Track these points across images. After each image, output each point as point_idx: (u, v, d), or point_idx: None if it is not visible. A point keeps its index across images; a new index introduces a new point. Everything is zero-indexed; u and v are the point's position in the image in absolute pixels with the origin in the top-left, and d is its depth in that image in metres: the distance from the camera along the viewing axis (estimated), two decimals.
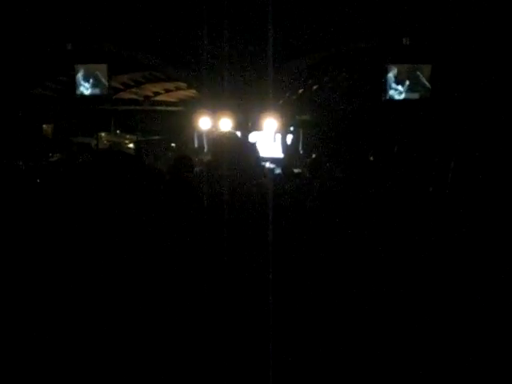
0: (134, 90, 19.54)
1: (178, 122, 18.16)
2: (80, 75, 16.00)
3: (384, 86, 14.35)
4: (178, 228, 3.79)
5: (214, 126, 14.66)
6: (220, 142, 3.63)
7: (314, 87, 17.71)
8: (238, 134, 11.62)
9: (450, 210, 3.98)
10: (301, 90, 17.80)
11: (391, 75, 14.29)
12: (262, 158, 8.87)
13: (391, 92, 14.36)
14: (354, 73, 16.22)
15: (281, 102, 16.11)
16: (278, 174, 7.78)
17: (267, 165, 7.36)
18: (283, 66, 14.11)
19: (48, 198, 4.31)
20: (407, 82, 14.27)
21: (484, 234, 3.75)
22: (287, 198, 4.22)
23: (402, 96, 14.36)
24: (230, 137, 3.74)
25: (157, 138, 19.75)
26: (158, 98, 20.65)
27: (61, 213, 4.10)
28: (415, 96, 14.33)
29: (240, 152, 3.53)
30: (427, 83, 14.16)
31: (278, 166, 8.57)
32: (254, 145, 3.71)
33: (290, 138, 15.88)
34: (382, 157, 6.43)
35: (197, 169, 7.44)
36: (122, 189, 4.34)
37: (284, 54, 13.56)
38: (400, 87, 14.35)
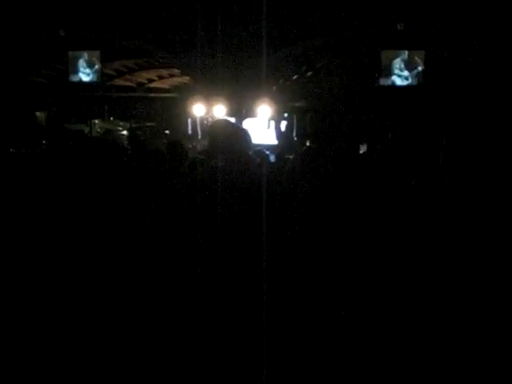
0: (127, 76, 19.45)
1: (171, 108, 18.10)
2: (73, 62, 15.92)
3: (378, 73, 14.35)
4: (174, 215, 3.80)
5: (208, 112, 14.63)
6: (215, 130, 3.63)
7: (308, 73, 17.65)
8: (232, 120, 11.63)
9: (442, 197, 3.98)
10: (295, 77, 17.74)
11: (385, 61, 14.28)
12: (257, 144, 8.84)
13: (385, 78, 14.35)
14: (348, 59, 16.18)
15: (274, 88, 16.06)
16: (273, 161, 7.77)
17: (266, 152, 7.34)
18: (277, 52, 14.06)
19: (41, 185, 4.30)
20: (401, 68, 14.26)
21: (478, 222, 3.76)
22: (281, 186, 4.22)
23: (397, 82, 14.36)
24: (226, 124, 3.73)
25: (150, 124, 19.69)
26: (152, 84, 20.57)
27: (53, 200, 4.10)
28: (409, 82, 14.33)
29: (235, 140, 3.54)
30: (421, 69, 14.16)
31: (272, 152, 8.54)
32: (246, 131, 3.71)
33: (284, 125, 15.84)
34: (376, 143, 6.42)
35: (191, 156, 7.43)
36: (114, 179, 4.35)
37: (278, 41, 13.52)
38: (395, 73, 14.35)
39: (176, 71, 18.01)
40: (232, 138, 3.56)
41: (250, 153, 3.86)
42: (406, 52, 14.23)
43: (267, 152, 7.68)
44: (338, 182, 4.10)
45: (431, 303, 3.61)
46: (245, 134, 3.68)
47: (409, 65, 14.25)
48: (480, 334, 3.45)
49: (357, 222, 3.87)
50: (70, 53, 15.83)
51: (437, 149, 4.25)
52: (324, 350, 3.43)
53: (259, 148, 7.22)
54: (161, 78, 20.29)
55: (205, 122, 15.70)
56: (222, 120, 4.21)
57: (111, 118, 20.61)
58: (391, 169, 4.21)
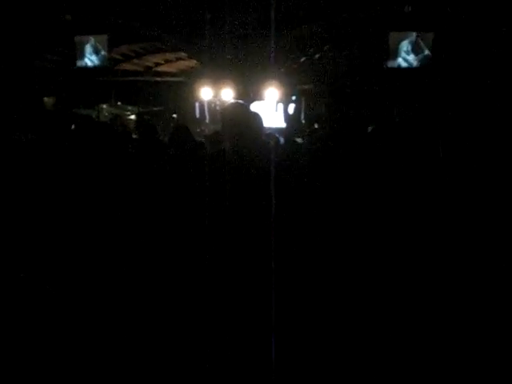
0: (134, 60, 19.39)
1: (179, 92, 18.08)
2: (80, 47, 15.89)
3: (386, 55, 14.27)
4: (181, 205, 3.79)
5: (216, 96, 14.60)
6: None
7: (316, 56, 17.57)
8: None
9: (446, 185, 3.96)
10: (303, 59, 17.66)
11: (393, 43, 14.19)
12: (267, 128, 8.84)
13: (393, 60, 14.27)
14: (356, 41, 16.08)
15: (282, 70, 15.99)
16: (282, 144, 7.75)
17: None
18: (284, 35, 13.99)
19: (48, 170, 4.29)
20: (409, 51, 14.17)
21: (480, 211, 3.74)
22: (292, 171, 4.20)
23: (404, 64, 14.28)
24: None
25: (158, 109, 19.66)
26: (159, 68, 20.51)
27: (60, 187, 4.10)
28: (417, 64, 14.25)
29: (249, 124, 3.52)
30: (429, 52, 14.07)
31: (280, 135, 8.55)
32: (258, 116, 3.69)
33: (291, 108, 15.78)
34: (383, 125, 6.39)
35: (199, 139, 7.42)
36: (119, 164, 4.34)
37: (285, 22, 13.44)
38: (402, 56, 14.26)
39: (183, 55, 17.94)
40: (245, 122, 3.55)
41: (263, 137, 3.84)
42: (414, 34, 14.13)
43: (277, 135, 7.68)
44: (347, 166, 4.08)
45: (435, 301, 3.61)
46: (258, 119, 3.67)
47: (416, 47, 14.16)
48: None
49: (368, 212, 3.84)
50: (77, 37, 15.81)
51: (442, 134, 4.23)
52: (330, 350, 3.44)
53: (269, 131, 7.22)
54: (168, 61, 20.21)
55: (212, 105, 15.68)
56: (234, 104, 4.17)
57: (119, 103, 20.60)
58: (399, 150, 4.18)
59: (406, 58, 14.25)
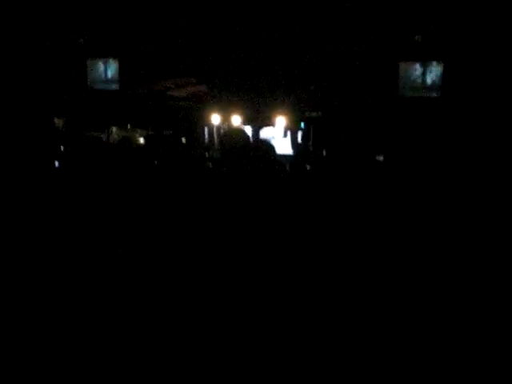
0: (145, 84, 19.54)
1: (188, 116, 18.16)
2: (92, 69, 16.06)
3: (395, 84, 14.33)
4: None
5: (225, 121, 14.67)
6: (228, 140, 3.64)
7: (325, 83, 17.65)
8: (249, 129, 11.56)
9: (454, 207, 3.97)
10: (312, 87, 17.75)
11: (402, 73, 14.25)
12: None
13: (402, 90, 14.32)
14: (365, 70, 16.17)
15: (291, 98, 16.08)
16: (288, 170, 7.76)
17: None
18: (295, 61, 14.09)
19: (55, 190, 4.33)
20: (419, 80, 14.23)
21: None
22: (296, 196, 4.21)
23: (412, 94, 14.33)
24: (239, 134, 3.73)
25: (167, 132, 19.74)
26: (170, 92, 20.65)
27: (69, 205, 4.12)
28: (426, 94, 14.29)
29: (249, 149, 3.54)
30: (439, 81, 14.12)
31: (287, 162, 8.55)
32: (269, 143, 3.72)
33: (300, 135, 15.85)
34: (392, 155, 6.41)
35: (207, 164, 7.44)
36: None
37: (294, 50, 13.55)
38: (412, 85, 14.31)
39: (193, 80, 18.08)
40: (244, 148, 3.57)
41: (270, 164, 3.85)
42: (424, 64, 14.20)
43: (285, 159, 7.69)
44: (354, 191, 4.09)
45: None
46: (267, 146, 3.69)
47: (427, 77, 14.22)
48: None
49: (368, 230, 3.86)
50: (89, 60, 15.99)
51: (451, 161, 4.25)
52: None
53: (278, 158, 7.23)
54: (178, 86, 20.37)
55: (221, 130, 15.74)
56: (235, 129, 4.22)
57: (129, 126, 20.71)
58: (407, 178, 4.20)
59: (416, 87, 14.30)
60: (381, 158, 6.62)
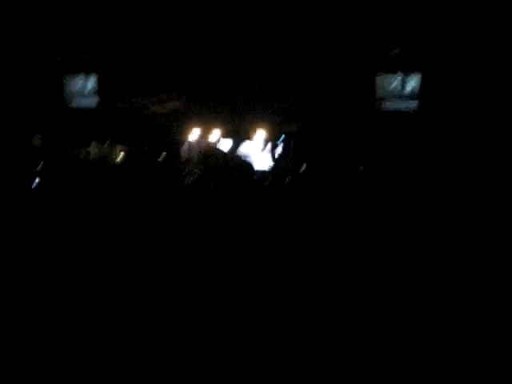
0: (125, 100, 19.47)
1: (168, 132, 18.12)
2: (70, 86, 15.97)
3: (374, 96, 14.41)
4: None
5: (205, 135, 14.64)
6: (207, 160, 3.66)
7: (304, 96, 17.71)
8: (230, 143, 11.55)
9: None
10: (292, 99, 17.79)
11: (381, 85, 14.33)
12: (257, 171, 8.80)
13: (380, 101, 14.40)
14: (344, 82, 16.26)
15: (270, 111, 16.11)
16: (268, 185, 7.74)
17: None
18: (273, 74, 14.13)
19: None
20: (396, 91, 14.32)
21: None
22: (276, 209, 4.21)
23: (391, 105, 14.41)
24: (218, 154, 3.76)
25: (147, 148, 19.66)
26: (149, 108, 20.60)
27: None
28: (405, 105, 14.38)
29: (227, 169, 3.55)
30: (417, 92, 14.21)
31: (267, 176, 8.55)
32: (247, 163, 3.75)
33: (280, 148, 15.86)
34: (373, 166, 6.43)
35: (187, 179, 7.41)
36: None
37: (273, 65, 13.59)
38: (391, 97, 14.39)
39: (173, 95, 18.06)
40: (224, 167, 3.61)
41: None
42: (402, 75, 14.29)
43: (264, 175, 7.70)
44: (334, 204, 4.10)
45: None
46: (248, 167, 3.72)
47: (405, 87, 14.32)
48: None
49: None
50: (67, 76, 15.90)
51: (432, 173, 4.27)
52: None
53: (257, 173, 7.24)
54: (159, 101, 20.34)
55: (202, 145, 15.70)
56: (212, 148, 4.29)
57: (108, 142, 20.61)
58: (388, 188, 4.21)
59: (394, 98, 14.38)
60: (361, 169, 6.64)
